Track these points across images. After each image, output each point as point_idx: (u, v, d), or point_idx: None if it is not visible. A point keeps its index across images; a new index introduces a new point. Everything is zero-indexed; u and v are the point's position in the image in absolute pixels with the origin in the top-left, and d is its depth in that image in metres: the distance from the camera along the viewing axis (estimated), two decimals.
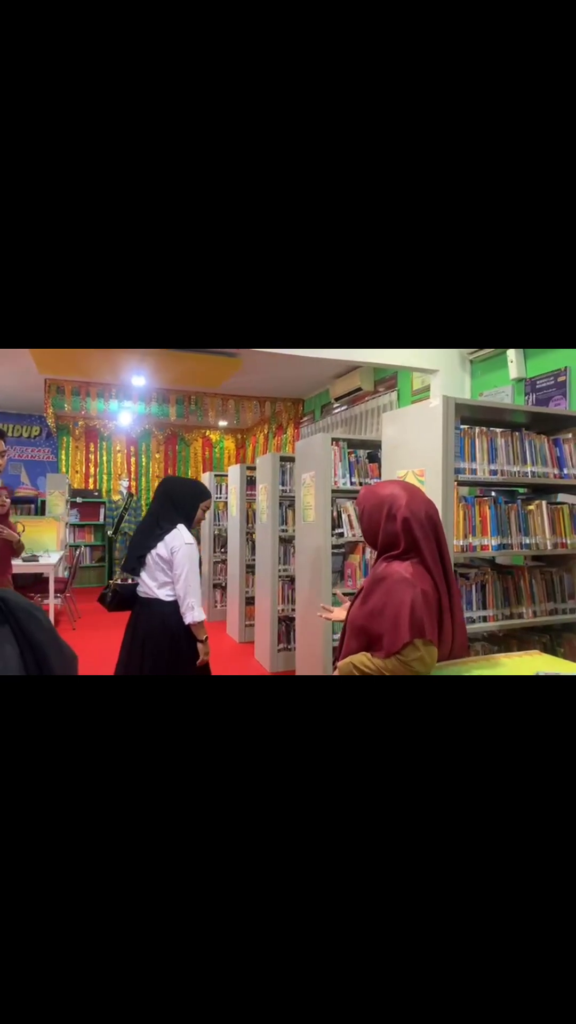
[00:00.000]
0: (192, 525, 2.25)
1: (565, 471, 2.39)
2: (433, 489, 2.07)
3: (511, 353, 3.48)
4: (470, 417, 2.40)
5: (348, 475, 3.11)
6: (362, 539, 3.10)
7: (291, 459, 3.94)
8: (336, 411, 5.98)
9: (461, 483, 2.15)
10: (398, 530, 1.39)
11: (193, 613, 2.14)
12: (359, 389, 5.26)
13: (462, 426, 2.16)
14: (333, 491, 3.05)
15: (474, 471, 2.18)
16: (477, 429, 2.19)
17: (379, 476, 3.17)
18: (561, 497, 2.53)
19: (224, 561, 5.47)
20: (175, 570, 2.14)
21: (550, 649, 2.39)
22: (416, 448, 2.22)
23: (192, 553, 2.16)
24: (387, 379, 5.00)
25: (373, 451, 3.21)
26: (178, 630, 2.15)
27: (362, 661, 1.40)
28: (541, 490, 2.57)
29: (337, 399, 5.78)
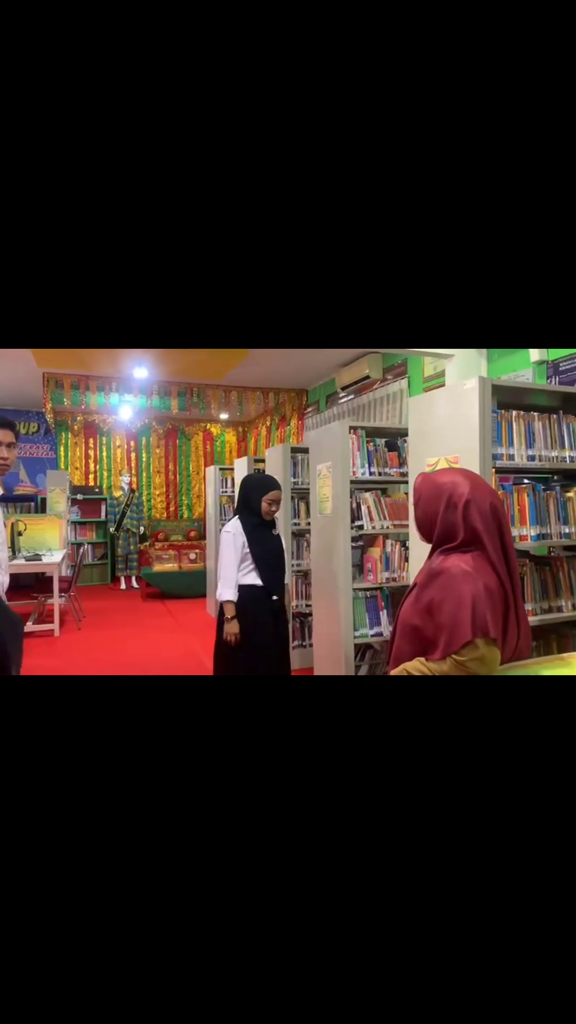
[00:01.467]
0: (261, 516, 2.51)
1: None
2: None
3: None
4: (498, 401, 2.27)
5: (367, 465, 2.97)
6: (382, 531, 2.97)
7: (302, 450, 3.80)
8: (342, 400, 5.84)
9: (499, 471, 2.02)
10: (458, 520, 1.26)
11: (218, 591, 2.47)
12: (367, 377, 5.13)
13: (498, 410, 2.03)
14: (352, 482, 2.92)
15: (511, 457, 2.05)
16: (514, 412, 2.06)
17: (399, 465, 3.05)
18: None
19: None
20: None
21: None
22: (448, 434, 2.09)
23: (225, 539, 2.49)
24: (396, 366, 4.86)
25: (392, 439, 3.07)
26: (221, 607, 2.52)
27: (417, 668, 1.28)
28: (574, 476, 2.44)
29: (344, 388, 5.64)
